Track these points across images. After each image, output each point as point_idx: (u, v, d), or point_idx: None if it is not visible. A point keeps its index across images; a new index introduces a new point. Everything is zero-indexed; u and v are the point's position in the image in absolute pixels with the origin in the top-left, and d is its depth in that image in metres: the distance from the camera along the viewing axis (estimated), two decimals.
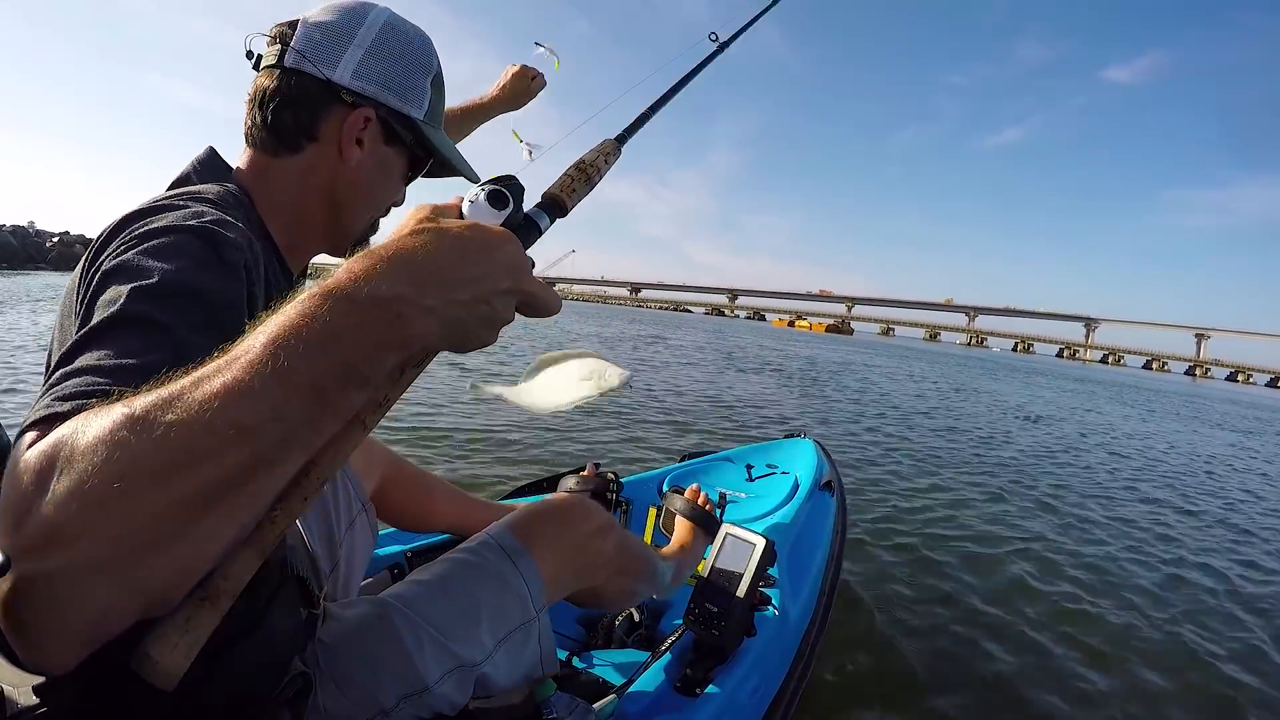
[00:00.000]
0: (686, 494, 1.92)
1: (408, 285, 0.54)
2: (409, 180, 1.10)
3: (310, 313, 0.52)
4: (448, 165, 1.12)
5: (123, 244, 0.73)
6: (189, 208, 0.80)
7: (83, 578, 0.49)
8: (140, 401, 0.50)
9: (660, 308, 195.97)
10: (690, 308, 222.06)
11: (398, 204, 1.11)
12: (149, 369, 0.56)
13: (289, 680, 0.86)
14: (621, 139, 0.93)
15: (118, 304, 0.66)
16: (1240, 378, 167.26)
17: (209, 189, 0.90)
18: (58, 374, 0.60)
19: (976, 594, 3.30)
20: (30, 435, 0.53)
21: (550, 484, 2.33)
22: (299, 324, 0.51)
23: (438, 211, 0.63)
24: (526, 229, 0.70)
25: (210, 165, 0.98)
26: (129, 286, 0.67)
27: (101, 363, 0.60)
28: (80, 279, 0.75)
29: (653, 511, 2.19)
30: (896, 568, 3.50)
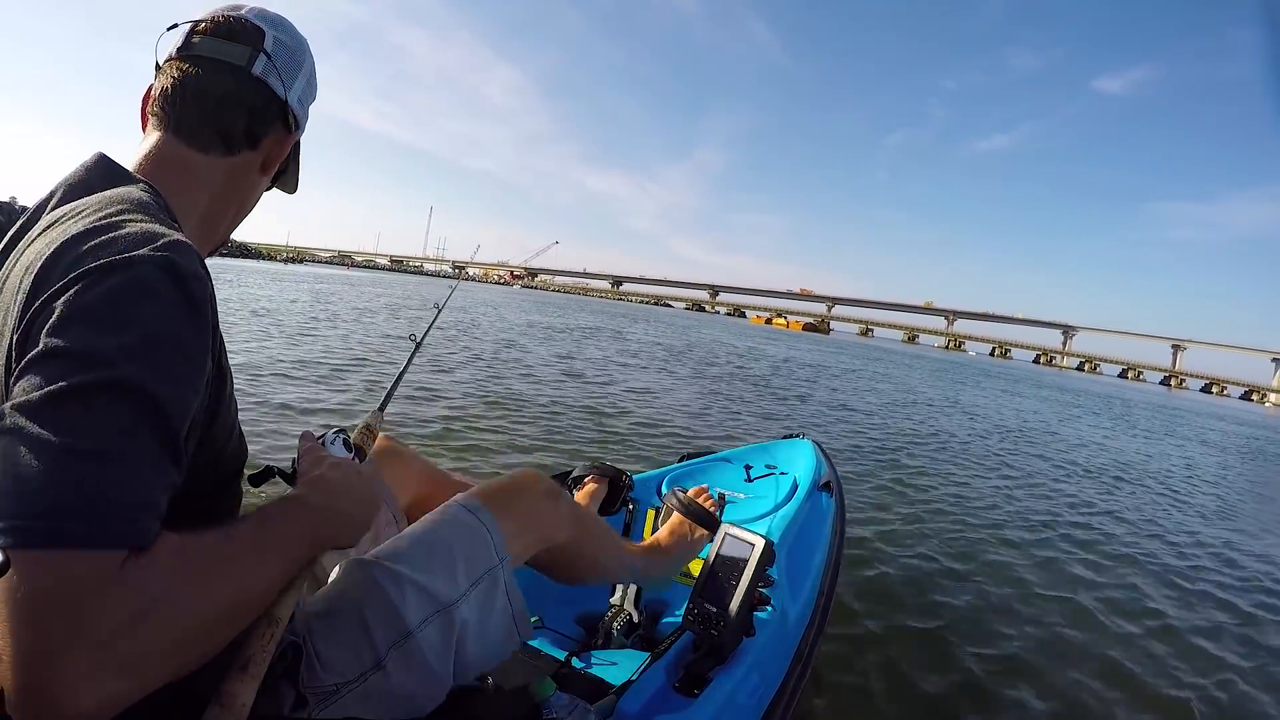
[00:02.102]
0: (691, 492, 1.91)
1: (345, 508, 0.91)
2: (269, 184, 1.15)
3: (302, 519, 0.84)
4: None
5: (79, 280, 0.69)
6: (135, 228, 0.76)
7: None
8: (203, 588, 0.68)
9: (642, 301, 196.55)
10: (671, 302, 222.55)
11: None
12: (148, 465, 0.67)
13: (280, 653, 0.90)
14: (382, 408, 1.38)
15: (93, 364, 0.65)
16: (1215, 389, 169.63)
17: (130, 194, 0.85)
18: (61, 461, 0.62)
19: (975, 594, 3.35)
20: (92, 563, 0.61)
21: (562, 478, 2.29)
22: (301, 530, 0.83)
23: (321, 449, 1.02)
24: (363, 456, 1.20)
25: (107, 172, 0.92)
26: (105, 339, 0.66)
27: (109, 457, 0.64)
28: (17, 307, 0.72)
29: (651, 514, 2.20)
30: (896, 568, 3.53)
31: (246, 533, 0.76)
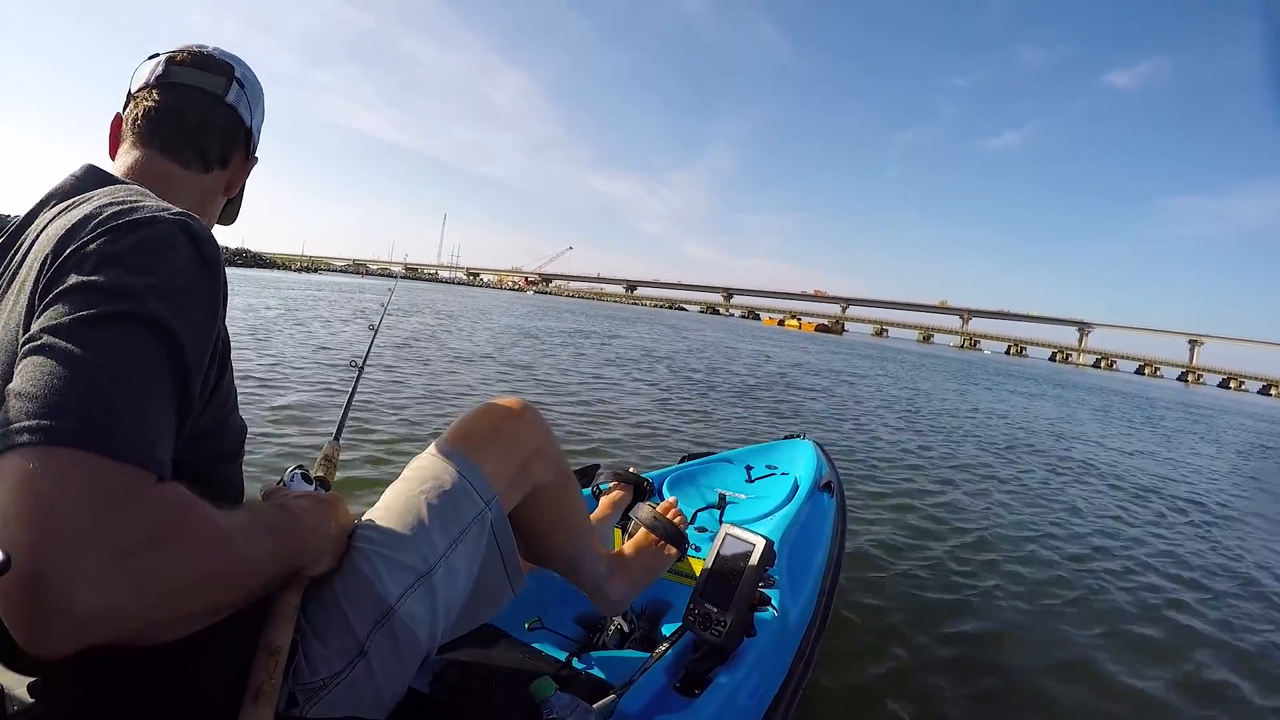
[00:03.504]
0: (660, 507, 1.83)
1: (319, 529, 0.96)
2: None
3: (281, 521, 0.90)
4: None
5: (107, 232, 0.75)
6: (152, 202, 0.84)
7: (114, 617, 0.61)
8: (224, 538, 0.74)
9: (656, 305, 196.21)
10: (685, 306, 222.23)
11: None
12: (159, 406, 0.70)
13: None
14: (338, 435, 1.51)
15: (124, 295, 0.70)
16: (1233, 384, 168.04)
17: (133, 189, 0.92)
18: (93, 376, 0.66)
19: (977, 594, 3.33)
20: (108, 462, 0.63)
21: (586, 473, 2.26)
22: (281, 531, 0.88)
23: (284, 490, 1.06)
24: (326, 487, 1.25)
25: (100, 178, 0.96)
26: (133, 278, 0.72)
27: (120, 387, 0.67)
28: (38, 267, 0.76)
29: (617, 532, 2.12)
30: (896, 568, 3.52)
31: (242, 517, 0.81)
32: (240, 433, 1.03)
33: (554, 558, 1.41)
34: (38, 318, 0.70)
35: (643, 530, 1.74)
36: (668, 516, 1.78)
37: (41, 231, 0.83)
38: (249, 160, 1.20)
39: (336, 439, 1.43)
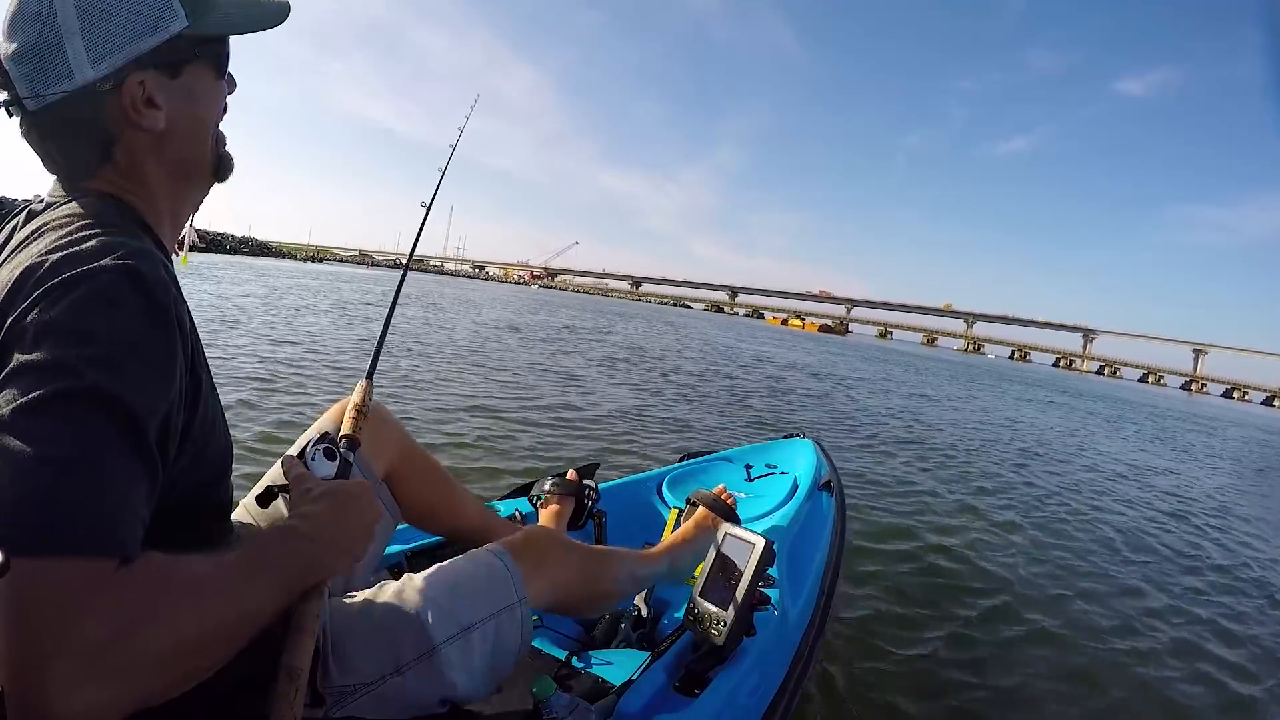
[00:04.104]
0: (714, 491, 2.10)
1: (337, 537, 0.92)
2: (225, 75, 0.98)
3: (295, 548, 0.86)
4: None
5: (44, 297, 0.70)
6: (94, 242, 0.75)
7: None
8: (208, 600, 0.71)
9: (661, 302, 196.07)
10: (690, 303, 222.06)
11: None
12: (121, 470, 0.67)
13: None
14: (370, 375, 1.33)
15: (59, 372, 0.66)
16: (1236, 395, 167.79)
17: (91, 207, 0.84)
18: (37, 469, 0.63)
19: (977, 593, 3.35)
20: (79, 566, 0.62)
21: (525, 490, 2.34)
22: (294, 559, 0.85)
23: (307, 477, 1.01)
24: (349, 465, 1.11)
25: (71, 189, 0.89)
26: (70, 349, 0.67)
27: (77, 468, 0.64)
28: None
29: (673, 513, 2.28)
30: (896, 567, 3.54)
31: (239, 560, 0.78)
32: (224, 456, 0.96)
33: (608, 610, 1.78)
34: None
35: (701, 509, 2.01)
36: (722, 498, 2.07)
37: None
38: (121, 94, 0.85)
39: (369, 378, 1.31)
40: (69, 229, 0.78)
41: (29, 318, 0.69)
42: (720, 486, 2.08)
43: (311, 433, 1.29)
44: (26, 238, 0.81)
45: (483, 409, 6.07)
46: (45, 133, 0.86)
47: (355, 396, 1.27)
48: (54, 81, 0.82)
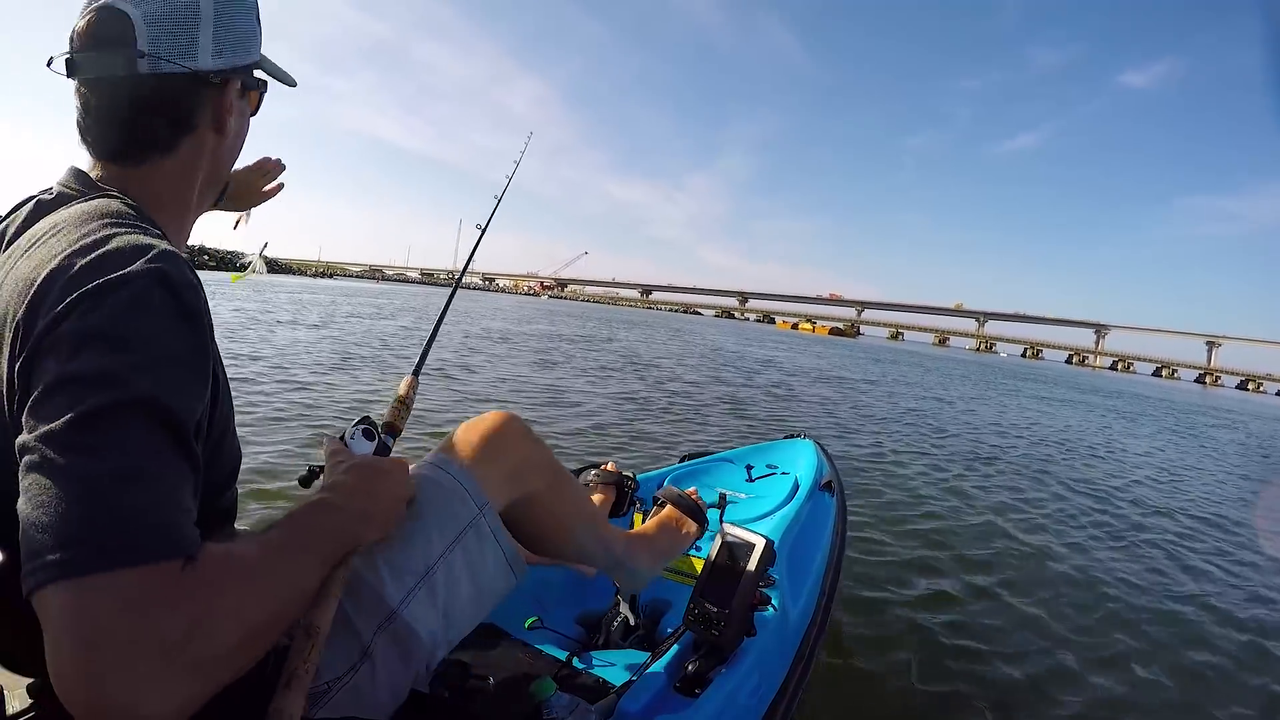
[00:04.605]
0: (689, 491, 1.90)
1: (365, 501, 0.94)
2: (258, 108, 1.07)
3: (326, 521, 0.88)
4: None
5: (79, 302, 0.69)
6: (122, 241, 0.75)
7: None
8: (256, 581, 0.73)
9: (671, 309, 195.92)
10: (701, 310, 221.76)
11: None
12: (173, 473, 0.69)
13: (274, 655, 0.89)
14: (417, 371, 1.30)
15: (108, 383, 0.66)
16: (1251, 386, 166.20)
17: (108, 206, 0.84)
18: (98, 486, 0.64)
19: (977, 593, 3.34)
20: (151, 575, 0.64)
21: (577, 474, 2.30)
22: (327, 531, 0.87)
23: (342, 451, 1.04)
24: (387, 448, 1.11)
25: (82, 185, 0.89)
26: (115, 358, 0.68)
27: (134, 481, 0.65)
28: (11, 331, 0.73)
29: (638, 517, 2.16)
30: (896, 568, 3.53)
31: (278, 538, 0.81)
32: (234, 458, 0.98)
33: (560, 554, 1.43)
34: (26, 417, 0.67)
35: (668, 507, 1.81)
36: (691, 497, 1.85)
37: (14, 268, 0.78)
38: (225, 91, 0.96)
39: (415, 374, 1.29)
40: (92, 228, 0.78)
41: (64, 325, 0.69)
42: (692, 489, 1.95)
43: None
44: (44, 233, 0.81)
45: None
46: (134, 100, 0.88)
47: (400, 389, 1.25)
48: (179, 55, 0.87)
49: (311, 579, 0.83)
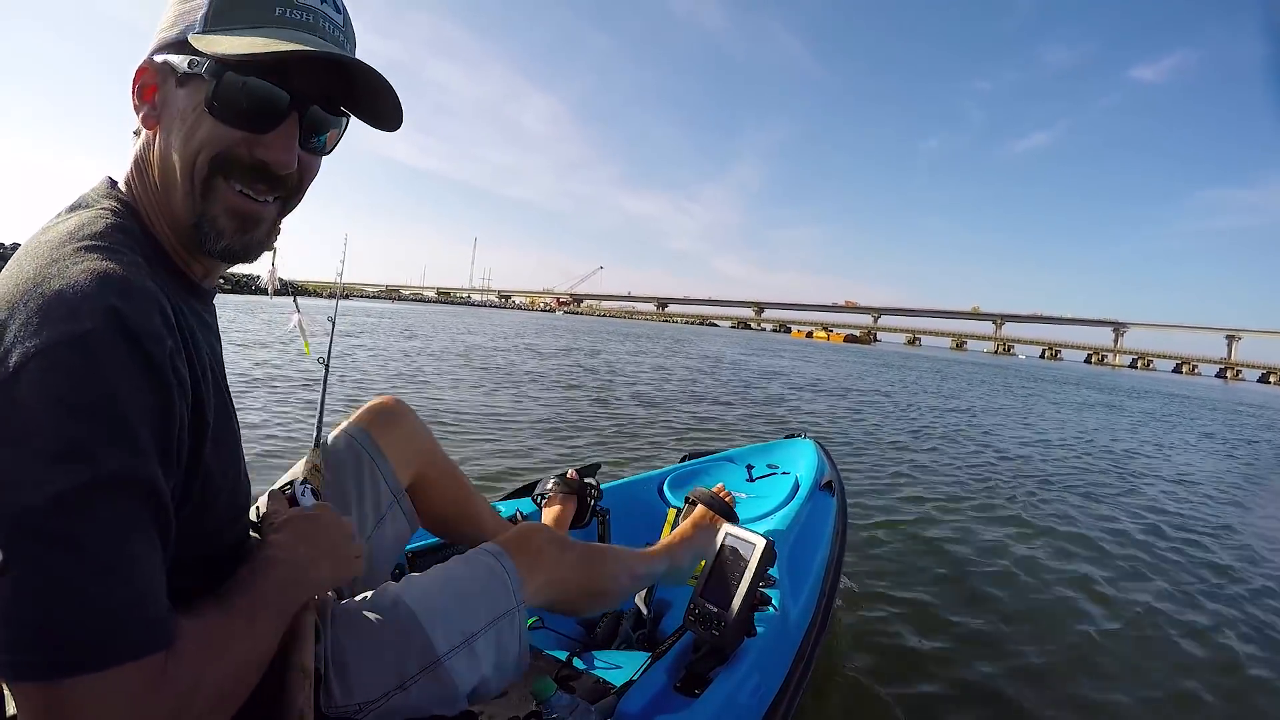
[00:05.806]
0: (713, 489, 2.08)
1: (310, 553, 0.94)
2: (251, 121, 0.83)
3: (273, 575, 0.87)
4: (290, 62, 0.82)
5: (28, 358, 0.63)
6: (77, 276, 0.68)
7: None
8: (217, 663, 0.74)
9: (687, 322, 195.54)
10: (717, 321, 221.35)
11: (284, 166, 0.88)
12: (138, 551, 0.66)
13: None
14: (318, 443, 1.43)
15: (72, 460, 0.61)
16: (1273, 379, 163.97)
17: (87, 226, 0.77)
18: (72, 584, 0.61)
19: (977, 594, 3.31)
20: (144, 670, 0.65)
21: (529, 489, 2.37)
22: (276, 585, 0.86)
23: (279, 510, 1.02)
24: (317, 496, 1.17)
25: (99, 193, 0.86)
26: (73, 428, 0.62)
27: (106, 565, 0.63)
28: None
29: (671, 513, 2.25)
30: (897, 567, 3.52)
31: (242, 604, 0.82)
32: (243, 493, 0.96)
33: (606, 609, 1.76)
34: None
35: (700, 508, 1.99)
36: (721, 496, 2.06)
37: None
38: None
39: (317, 446, 1.39)
40: (53, 257, 0.71)
41: (21, 384, 0.62)
42: (720, 485, 2.06)
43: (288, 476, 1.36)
44: (25, 251, 0.75)
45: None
46: None
47: (311, 460, 1.38)
48: (168, 33, 0.83)
49: (273, 634, 0.85)
